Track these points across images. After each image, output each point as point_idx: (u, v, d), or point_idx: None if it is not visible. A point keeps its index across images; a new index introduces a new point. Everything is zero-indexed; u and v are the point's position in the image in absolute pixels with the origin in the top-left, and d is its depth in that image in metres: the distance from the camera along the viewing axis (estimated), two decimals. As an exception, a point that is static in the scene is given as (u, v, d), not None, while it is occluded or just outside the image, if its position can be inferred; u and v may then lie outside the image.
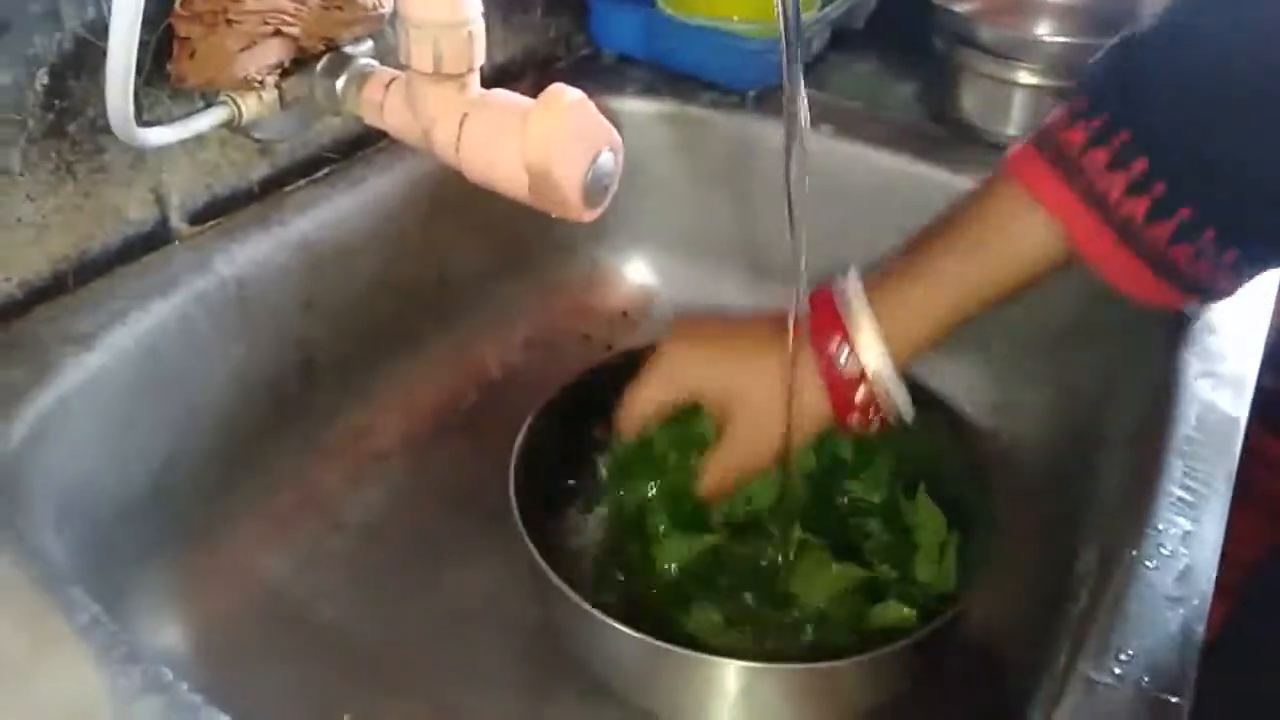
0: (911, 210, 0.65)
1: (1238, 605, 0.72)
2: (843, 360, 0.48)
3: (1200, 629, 0.36)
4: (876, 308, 0.48)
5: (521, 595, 0.53)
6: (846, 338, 0.48)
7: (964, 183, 0.64)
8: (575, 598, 0.46)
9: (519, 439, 0.54)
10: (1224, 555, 0.40)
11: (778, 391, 0.49)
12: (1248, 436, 0.46)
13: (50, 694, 0.33)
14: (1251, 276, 0.45)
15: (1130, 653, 0.35)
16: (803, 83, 0.42)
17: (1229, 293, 0.46)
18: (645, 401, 0.52)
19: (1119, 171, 0.42)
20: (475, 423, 0.67)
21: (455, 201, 0.64)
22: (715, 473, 0.52)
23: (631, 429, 0.53)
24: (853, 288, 0.49)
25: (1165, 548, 0.39)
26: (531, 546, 0.48)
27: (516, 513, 0.50)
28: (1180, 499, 0.42)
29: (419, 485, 0.63)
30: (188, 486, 0.54)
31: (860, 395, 0.49)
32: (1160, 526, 0.41)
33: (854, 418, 0.50)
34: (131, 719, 0.32)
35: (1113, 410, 0.59)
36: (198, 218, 0.55)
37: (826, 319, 0.49)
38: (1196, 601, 0.37)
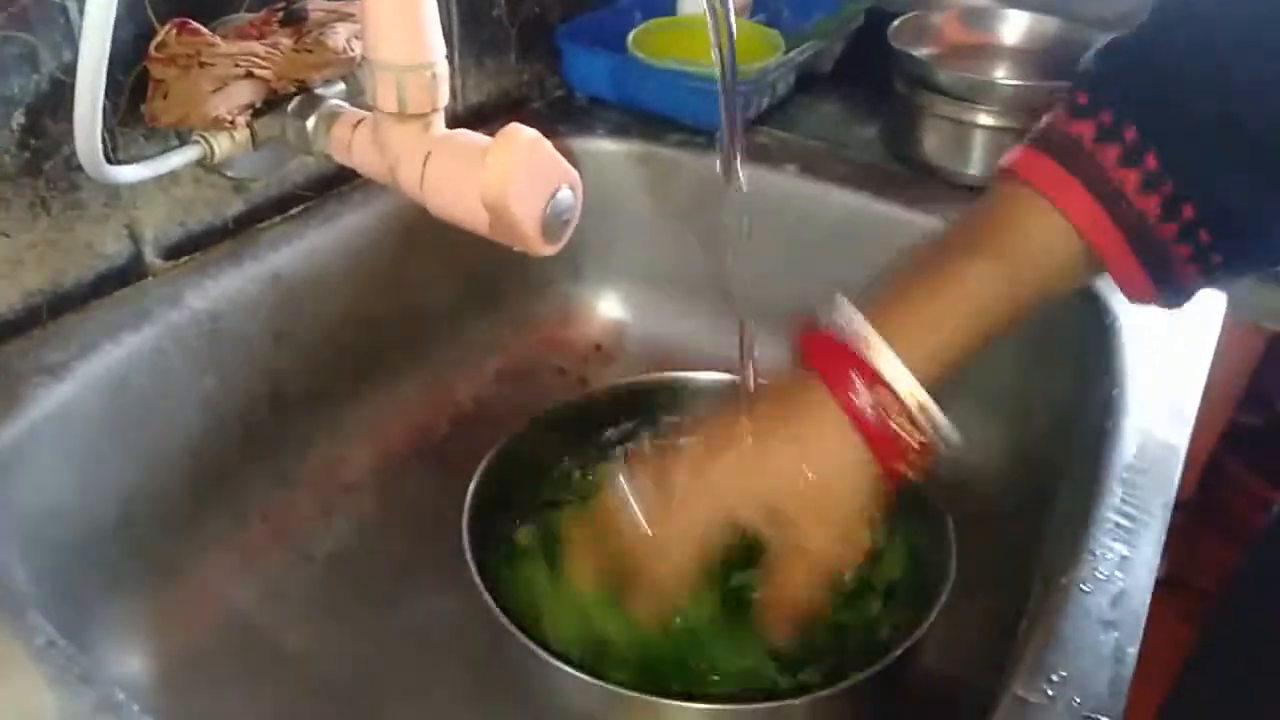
0: (873, 246, 0.66)
1: (1208, 631, 0.72)
2: (873, 401, 0.42)
3: (1132, 651, 0.37)
4: (888, 332, 0.43)
5: (484, 627, 0.53)
6: (866, 373, 0.42)
7: (924, 220, 0.67)
8: (526, 640, 0.46)
9: (475, 479, 0.54)
10: (1201, 588, 0.40)
11: (818, 495, 0.44)
12: (1227, 470, 0.46)
13: (4, 714, 0.34)
14: (1217, 283, 0.45)
15: (1063, 673, 0.36)
16: (741, 133, 0.43)
17: (1191, 297, 0.45)
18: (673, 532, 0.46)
19: (1131, 168, 0.40)
20: (446, 455, 0.68)
21: (428, 237, 0.65)
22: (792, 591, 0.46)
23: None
24: (854, 318, 0.44)
25: (1101, 572, 0.40)
26: (485, 591, 0.48)
27: (470, 554, 0.50)
28: (1118, 525, 0.43)
29: (388, 517, 0.64)
30: (156, 517, 0.55)
31: (903, 435, 0.43)
32: (1097, 552, 0.42)
33: (903, 465, 0.43)
34: (83, 738, 0.33)
35: (1064, 442, 0.60)
36: (171, 253, 0.57)
37: (838, 361, 0.43)
38: (1130, 624, 0.38)
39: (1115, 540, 0.42)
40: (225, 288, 0.57)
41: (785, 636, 0.47)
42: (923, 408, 0.42)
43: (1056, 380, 0.62)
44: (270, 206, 0.61)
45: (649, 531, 0.45)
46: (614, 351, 0.78)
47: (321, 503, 0.63)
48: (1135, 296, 0.44)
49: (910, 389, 0.42)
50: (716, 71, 0.42)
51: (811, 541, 0.44)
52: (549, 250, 0.48)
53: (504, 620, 0.47)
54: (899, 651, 0.47)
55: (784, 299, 0.70)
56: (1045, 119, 0.44)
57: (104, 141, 0.47)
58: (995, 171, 0.46)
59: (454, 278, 0.70)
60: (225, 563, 0.58)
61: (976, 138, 0.70)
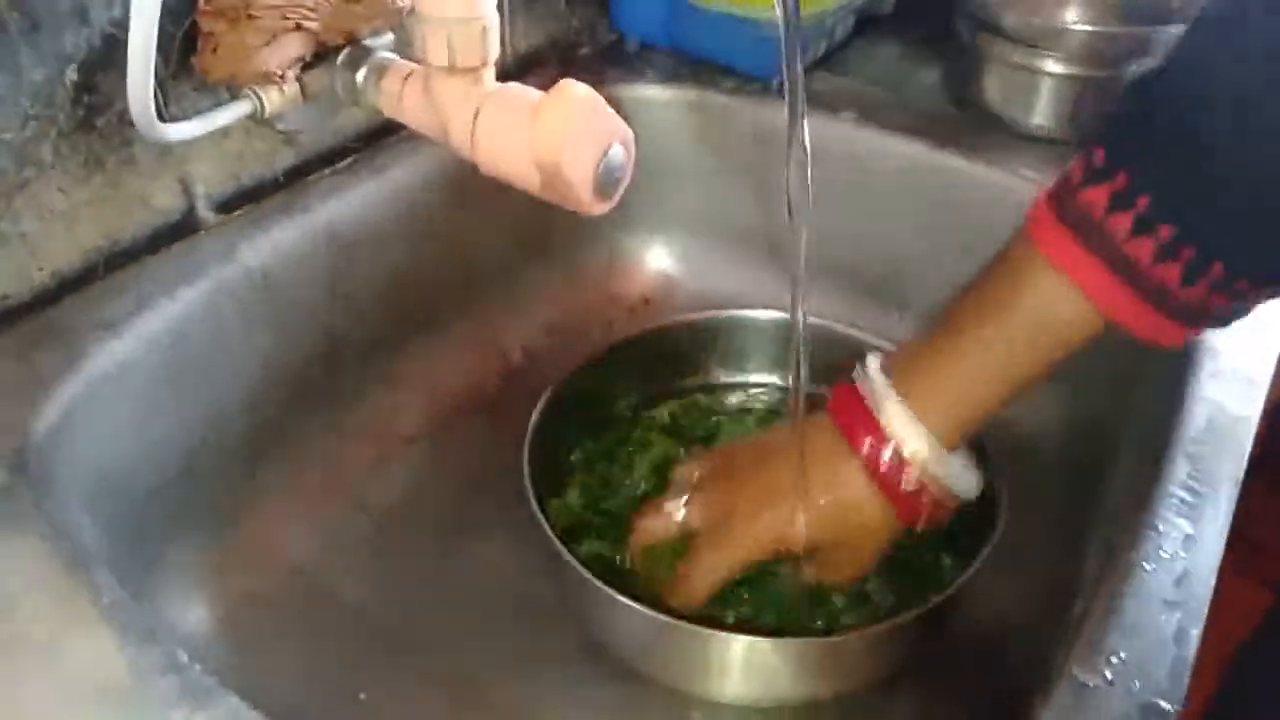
0: (932, 198, 0.67)
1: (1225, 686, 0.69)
2: (887, 458, 0.46)
3: (1195, 633, 0.37)
4: (908, 397, 0.46)
5: (539, 575, 0.54)
6: (880, 434, 0.46)
7: (985, 171, 0.65)
8: (586, 574, 0.48)
9: (533, 418, 0.56)
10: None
11: (835, 523, 0.48)
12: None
13: (75, 669, 0.35)
14: None
15: (1122, 655, 0.36)
16: (803, 84, 0.41)
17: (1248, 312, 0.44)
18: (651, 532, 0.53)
19: (1145, 237, 0.40)
20: (497, 406, 0.69)
21: (478, 189, 0.62)
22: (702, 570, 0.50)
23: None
24: (878, 380, 0.47)
25: (1165, 550, 0.39)
26: (545, 523, 0.50)
27: (529, 483, 0.51)
28: (1183, 500, 0.42)
29: (441, 467, 0.65)
30: (215, 469, 0.56)
31: (919, 491, 0.47)
32: (1161, 528, 0.41)
33: (921, 519, 0.48)
34: (149, 695, 0.34)
35: (1125, 407, 0.58)
36: (224, 207, 0.57)
37: (857, 418, 0.47)
38: (1194, 605, 0.38)
39: (1180, 516, 0.41)
40: (277, 241, 0.57)
41: None
42: (927, 467, 0.46)
43: (1117, 342, 0.60)
44: (320, 159, 0.61)
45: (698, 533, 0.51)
46: (662, 305, 0.77)
47: (376, 454, 0.64)
48: (1176, 345, 0.43)
49: (915, 450, 0.45)
50: (775, 15, 0.41)
51: (836, 570, 0.50)
52: (601, 209, 0.48)
53: (564, 552, 0.49)
54: (946, 595, 0.48)
55: (840, 250, 0.70)
56: (1065, 172, 0.43)
57: (156, 99, 0.47)
58: (1021, 227, 0.45)
59: (503, 229, 0.70)
60: (283, 513, 0.59)
61: (1044, 86, 0.67)
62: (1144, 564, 0.39)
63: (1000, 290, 0.45)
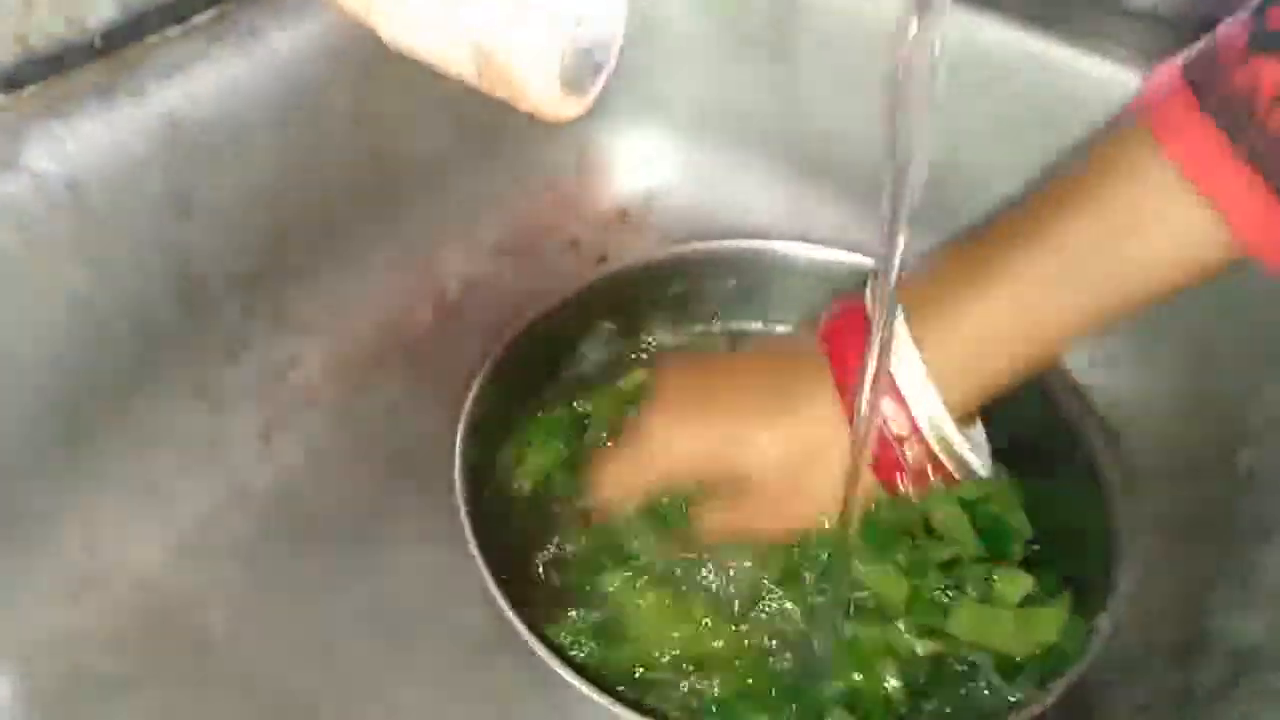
0: (1023, 99, 0.53)
1: None
2: (887, 413, 0.38)
3: None
4: (926, 330, 0.37)
5: (478, 588, 0.43)
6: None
7: (1096, 65, 0.51)
8: (542, 651, 0.39)
9: (474, 389, 0.46)
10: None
11: (793, 467, 0.40)
12: None
13: None
14: None
15: None
16: None
17: None
18: (616, 479, 0.44)
19: None
20: (428, 355, 0.57)
21: (398, 63, 0.50)
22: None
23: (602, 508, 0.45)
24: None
25: None
26: (491, 583, 0.40)
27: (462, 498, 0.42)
28: None
29: (350, 440, 0.53)
30: (19, 462, 0.41)
31: (912, 452, 0.38)
32: None
33: (904, 478, 0.39)
34: None
35: (1259, 406, 0.47)
36: (5, 86, 0.40)
37: (854, 347, 0.37)
38: None
39: None
40: (93, 139, 0.41)
41: None
42: (940, 435, 0.38)
43: (1249, 316, 0.48)
44: (159, 15, 0.44)
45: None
46: (643, 221, 0.65)
47: (261, 424, 0.51)
48: None
49: (930, 415, 0.37)
50: None
51: (757, 521, 0.41)
52: (571, 111, 0.37)
53: (518, 625, 0.39)
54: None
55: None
56: (1213, 35, 0.33)
57: None
58: (1136, 100, 0.36)
59: (434, 116, 0.56)
60: (122, 514, 0.45)
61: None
62: None
63: (1080, 196, 0.35)
